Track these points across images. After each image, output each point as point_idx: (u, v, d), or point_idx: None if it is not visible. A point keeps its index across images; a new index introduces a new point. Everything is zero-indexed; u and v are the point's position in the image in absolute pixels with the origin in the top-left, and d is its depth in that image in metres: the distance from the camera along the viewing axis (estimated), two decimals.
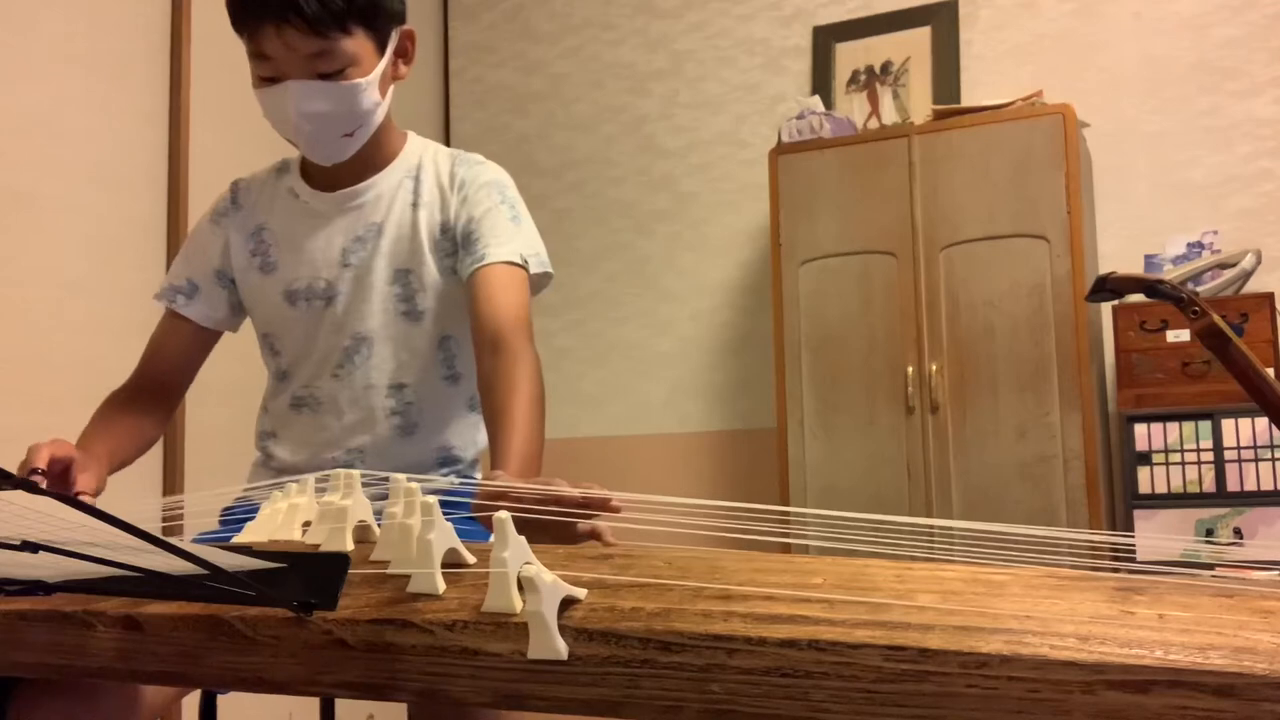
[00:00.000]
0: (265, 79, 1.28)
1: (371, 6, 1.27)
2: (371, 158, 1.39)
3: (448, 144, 3.76)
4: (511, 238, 1.34)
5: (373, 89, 1.30)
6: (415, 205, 1.39)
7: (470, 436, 1.46)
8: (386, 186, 1.40)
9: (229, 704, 1.38)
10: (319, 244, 1.40)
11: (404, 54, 1.37)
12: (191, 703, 1.40)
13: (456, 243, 1.38)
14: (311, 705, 1.49)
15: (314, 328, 1.40)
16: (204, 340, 1.46)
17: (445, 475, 1.41)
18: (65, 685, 1.06)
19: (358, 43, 1.27)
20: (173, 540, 0.64)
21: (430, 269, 1.38)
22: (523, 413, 1.19)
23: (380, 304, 1.38)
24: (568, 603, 0.62)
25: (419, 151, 1.43)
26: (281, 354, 1.44)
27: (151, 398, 1.43)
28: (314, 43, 1.23)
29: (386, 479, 0.81)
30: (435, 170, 1.41)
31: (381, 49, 1.31)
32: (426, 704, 1.19)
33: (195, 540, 1.21)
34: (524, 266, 1.34)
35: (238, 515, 1.32)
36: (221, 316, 1.46)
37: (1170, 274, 2.59)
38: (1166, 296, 1.05)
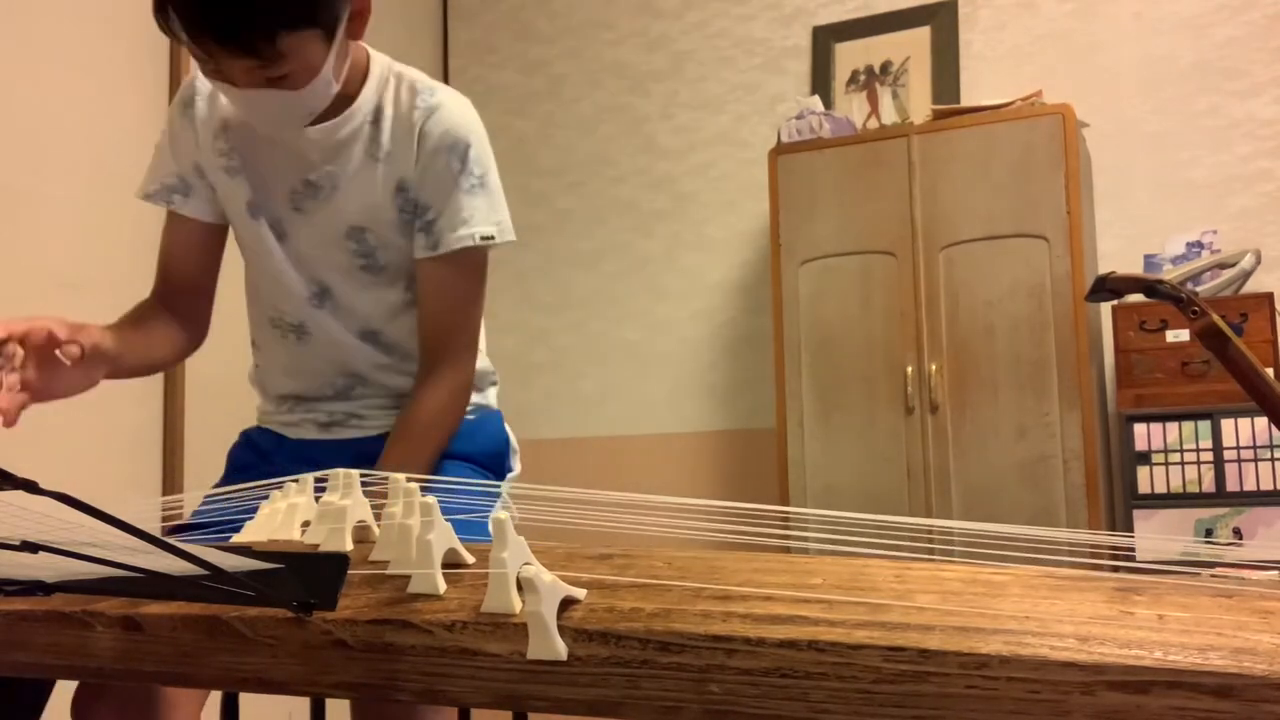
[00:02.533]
0: (212, 73, 1.17)
1: (306, 10, 1.13)
2: (338, 98, 1.27)
3: None
4: (468, 214, 1.28)
5: (325, 84, 1.20)
6: (374, 157, 1.29)
7: None
8: (345, 132, 1.29)
9: None
10: (272, 171, 1.31)
11: (358, 17, 1.21)
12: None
13: (412, 204, 1.30)
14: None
15: (278, 257, 1.34)
16: (215, 238, 1.39)
17: None
18: (113, 691, 1.06)
19: (299, 43, 1.13)
20: (172, 540, 0.64)
21: (388, 226, 1.31)
22: (411, 433, 1.26)
23: (337, 258, 1.33)
24: (567, 603, 0.62)
25: (379, 90, 1.31)
26: (250, 265, 1.39)
27: (180, 305, 1.36)
28: (250, 60, 1.12)
29: (386, 479, 0.82)
30: (396, 113, 1.30)
31: (330, 36, 1.17)
32: (371, 703, 1.19)
33: (194, 513, 1.20)
34: (481, 247, 1.30)
35: (219, 504, 1.30)
36: (219, 210, 1.37)
37: (1170, 274, 2.59)
38: (1166, 296, 1.05)
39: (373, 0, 1.22)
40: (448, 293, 1.30)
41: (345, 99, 1.28)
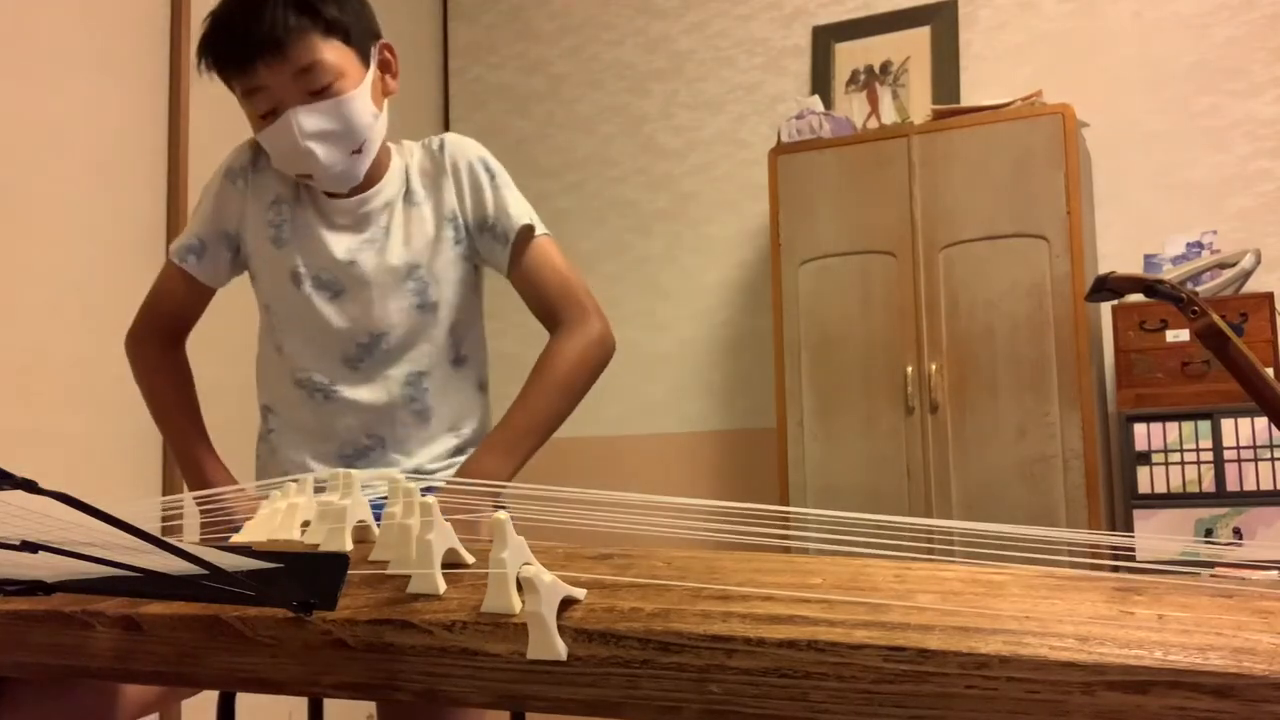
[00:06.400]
0: (264, 116, 1.33)
1: (341, 20, 1.33)
2: (371, 171, 1.44)
3: None
4: (516, 204, 1.44)
5: (365, 99, 1.35)
6: (412, 203, 1.44)
7: (479, 416, 1.50)
8: (390, 192, 1.44)
9: None
10: (328, 242, 1.43)
11: (388, 68, 1.42)
12: (196, 704, 1.40)
13: (463, 227, 1.44)
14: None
15: (323, 318, 1.42)
16: (205, 295, 1.49)
17: (455, 461, 1.45)
18: (44, 684, 1.06)
19: (338, 53, 1.32)
20: (172, 540, 0.64)
21: (439, 259, 1.43)
22: (538, 387, 1.36)
23: (396, 302, 1.42)
24: (567, 603, 0.62)
25: (403, 156, 1.49)
26: (278, 329, 1.46)
27: (173, 339, 1.48)
28: (296, 61, 1.29)
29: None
30: (419, 163, 1.47)
31: (365, 62, 1.37)
32: (393, 703, 1.21)
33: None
34: (535, 226, 1.44)
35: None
36: (219, 275, 1.48)
37: (1170, 274, 2.59)
38: (1166, 296, 1.05)
39: (373, 1, 1.38)
40: (540, 271, 1.43)
41: (384, 169, 1.45)
